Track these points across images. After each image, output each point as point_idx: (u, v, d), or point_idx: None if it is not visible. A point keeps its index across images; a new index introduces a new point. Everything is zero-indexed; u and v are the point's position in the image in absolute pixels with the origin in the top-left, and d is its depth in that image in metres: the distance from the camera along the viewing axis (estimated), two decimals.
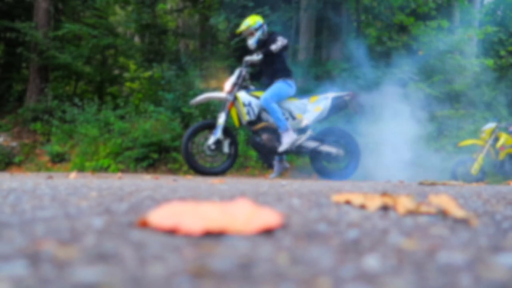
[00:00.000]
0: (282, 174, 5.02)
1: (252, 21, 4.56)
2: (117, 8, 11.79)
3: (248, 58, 4.47)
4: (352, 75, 7.75)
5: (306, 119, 4.49)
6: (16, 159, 7.86)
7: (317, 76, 8.29)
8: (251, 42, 4.57)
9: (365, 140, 5.87)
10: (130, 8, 10.88)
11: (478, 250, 0.54)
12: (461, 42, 9.17)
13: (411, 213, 0.83)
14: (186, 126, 7.27)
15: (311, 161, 4.65)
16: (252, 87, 4.57)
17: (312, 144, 4.48)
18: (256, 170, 6.79)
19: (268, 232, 0.61)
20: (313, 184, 2.05)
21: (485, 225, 0.74)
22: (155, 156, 6.83)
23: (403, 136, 5.72)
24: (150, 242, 0.54)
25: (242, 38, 7.48)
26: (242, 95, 4.41)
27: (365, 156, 5.26)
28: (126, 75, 11.55)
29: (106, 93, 10.48)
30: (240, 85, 4.48)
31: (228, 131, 4.47)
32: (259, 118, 4.48)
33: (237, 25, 8.82)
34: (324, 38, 9.04)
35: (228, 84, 4.46)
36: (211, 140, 4.36)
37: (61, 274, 0.39)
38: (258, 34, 4.55)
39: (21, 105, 9.26)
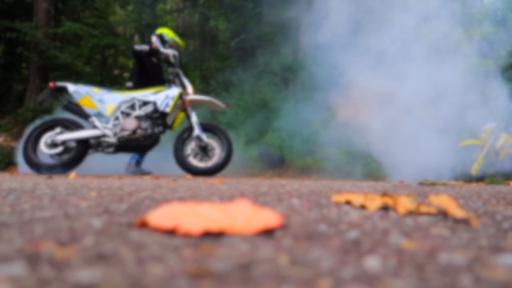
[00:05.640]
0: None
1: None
2: (117, 8, 11.79)
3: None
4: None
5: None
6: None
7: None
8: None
9: (365, 139, 5.86)
10: (130, 8, 10.89)
11: (478, 250, 0.54)
12: (461, 42, 9.17)
13: (411, 213, 0.83)
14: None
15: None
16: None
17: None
18: (256, 170, 6.79)
19: (268, 233, 0.61)
20: (313, 184, 2.05)
21: (485, 226, 0.74)
22: None
23: (402, 135, 5.72)
24: (149, 242, 0.53)
25: (242, 39, 7.46)
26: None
27: (366, 156, 5.24)
28: (126, 75, 11.56)
29: None
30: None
31: (219, 129, 4.37)
32: None
33: (237, 25, 8.83)
34: (323, 38, 9.04)
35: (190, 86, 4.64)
36: (196, 140, 4.27)
37: (60, 275, 0.39)
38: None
39: (21, 105, 9.27)
